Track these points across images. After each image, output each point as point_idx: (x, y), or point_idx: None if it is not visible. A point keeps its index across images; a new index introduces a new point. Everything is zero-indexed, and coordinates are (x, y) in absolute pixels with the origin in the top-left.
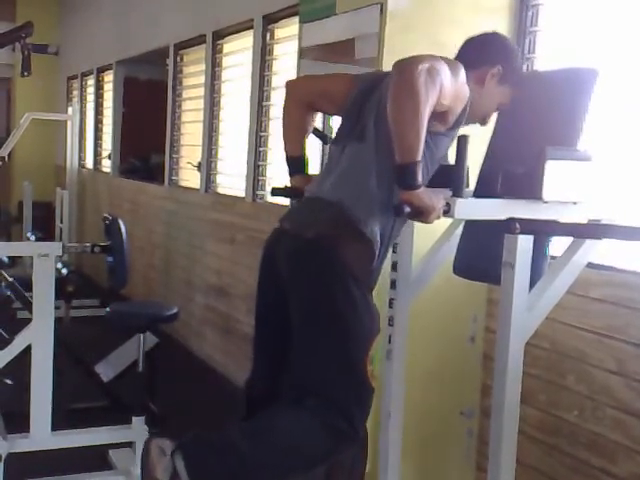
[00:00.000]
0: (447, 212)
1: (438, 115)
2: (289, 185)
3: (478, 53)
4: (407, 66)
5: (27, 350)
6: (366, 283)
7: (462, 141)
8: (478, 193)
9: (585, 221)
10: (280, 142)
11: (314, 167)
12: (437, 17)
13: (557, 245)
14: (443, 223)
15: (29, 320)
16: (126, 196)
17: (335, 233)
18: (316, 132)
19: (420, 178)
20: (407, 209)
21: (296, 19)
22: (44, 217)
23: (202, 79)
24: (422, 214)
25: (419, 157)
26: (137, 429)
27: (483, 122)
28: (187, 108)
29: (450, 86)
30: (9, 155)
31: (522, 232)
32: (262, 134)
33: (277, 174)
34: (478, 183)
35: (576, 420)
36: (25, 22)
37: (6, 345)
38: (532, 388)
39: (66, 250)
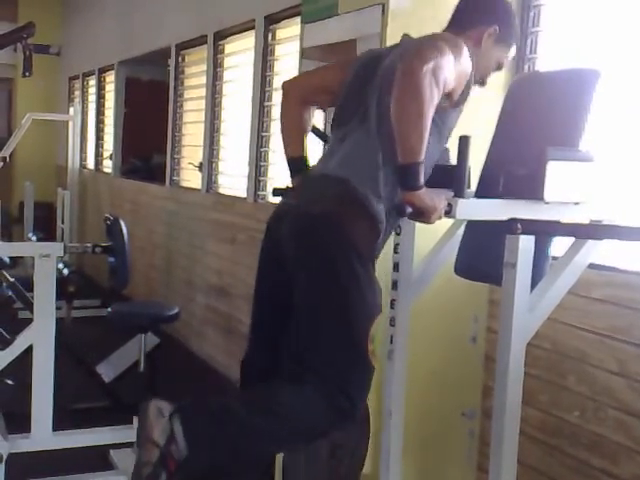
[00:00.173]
0: (449, 212)
1: (444, 95)
2: (290, 186)
3: (474, 13)
4: (413, 67)
5: (28, 350)
6: (370, 260)
7: (464, 141)
8: (480, 194)
9: (587, 222)
10: (280, 143)
11: None
12: (439, 17)
13: (559, 245)
14: (444, 223)
15: (30, 320)
16: (127, 196)
17: (342, 209)
18: (315, 131)
19: (422, 179)
20: (409, 209)
21: (298, 20)
22: (45, 217)
23: (204, 80)
24: (424, 215)
25: (421, 158)
26: None
27: (482, 83)
28: (188, 108)
29: (454, 72)
30: (10, 155)
31: (524, 232)
32: (263, 134)
33: (278, 174)
34: (479, 184)
35: (577, 421)
36: (27, 22)
37: (7, 345)
38: (533, 389)
39: (67, 250)
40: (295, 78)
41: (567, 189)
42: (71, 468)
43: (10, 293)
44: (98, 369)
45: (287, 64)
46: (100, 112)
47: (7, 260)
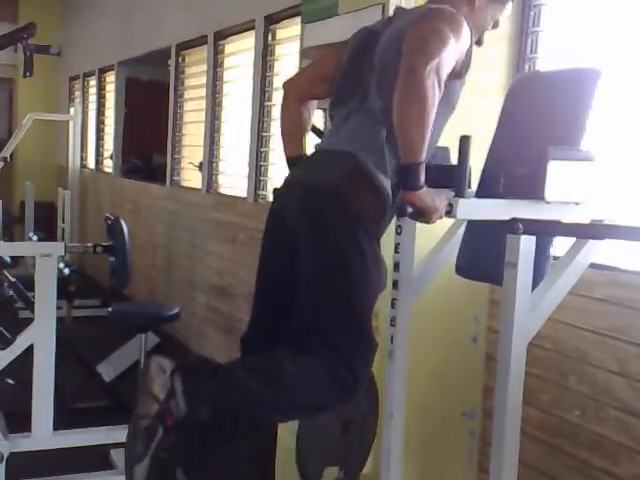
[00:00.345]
0: (449, 212)
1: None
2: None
3: None
4: (416, 66)
5: (29, 350)
6: (376, 236)
7: (464, 141)
8: (480, 193)
9: (588, 221)
10: (280, 143)
11: None
12: None
13: (560, 245)
14: (445, 223)
15: (31, 320)
16: (128, 196)
17: (350, 183)
18: (315, 130)
19: (423, 179)
20: (409, 209)
21: (298, 20)
22: (46, 217)
23: (204, 80)
24: (424, 215)
25: (422, 158)
26: None
27: (479, 43)
28: (189, 108)
29: (456, 54)
30: (11, 155)
31: (524, 232)
32: (264, 134)
33: (279, 174)
34: (480, 183)
35: (578, 420)
36: (27, 23)
37: (8, 345)
38: (534, 388)
39: (68, 250)
40: (294, 76)
41: (568, 189)
42: (71, 467)
43: (11, 293)
44: (98, 368)
45: (287, 64)
46: (100, 112)
47: (8, 260)
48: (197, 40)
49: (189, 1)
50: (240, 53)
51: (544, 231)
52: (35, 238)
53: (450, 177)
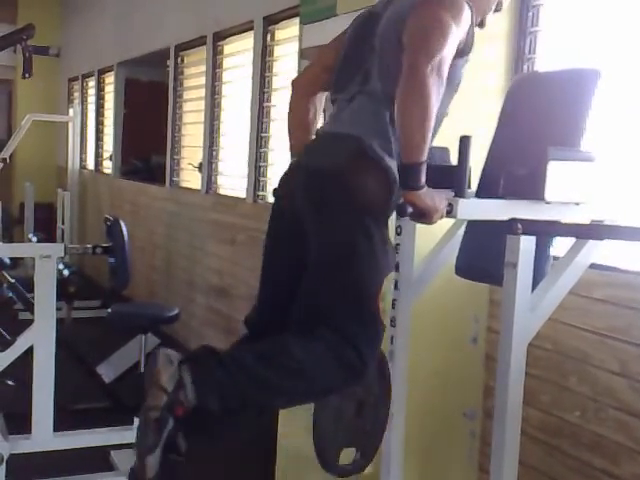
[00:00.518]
0: (450, 212)
1: None
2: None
3: None
4: (419, 64)
5: (29, 351)
6: (383, 219)
7: (464, 142)
8: (480, 194)
9: (588, 222)
10: (281, 143)
11: None
12: None
13: (560, 245)
14: (445, 223)
15: (31, 321)
16: (127, 197)
17: (356, 166)
18: None
19: (423, 179)
20: (410, 209)
21: (296, 20)
22: (45, 218)
23: (203, 80)
24: (424, 215)
25: (424, 158)
26: None
27: (481, 25)
28: (188, 109)
29: (456, 40)
30: (11, 156)
31: (524, 233)
32: (263, 135)
33: (278, 175)
34: (480, 184)
35: (578, 421)
36: (26, 24)
37: (8, 346)
38: (534, 389)
39: (68, 251)
40: (300, 74)
41: (568, 189)
42: (72, 469)
43: (11, 294)
44: (98, 370)
45: (286, 65)
46: (100, 113)
47: (8, 261)
48: (196, 41)
49: (188, 2)
50: (239, 54)
51: (544, 231)
52: (35, 239)
53: (450, 177)
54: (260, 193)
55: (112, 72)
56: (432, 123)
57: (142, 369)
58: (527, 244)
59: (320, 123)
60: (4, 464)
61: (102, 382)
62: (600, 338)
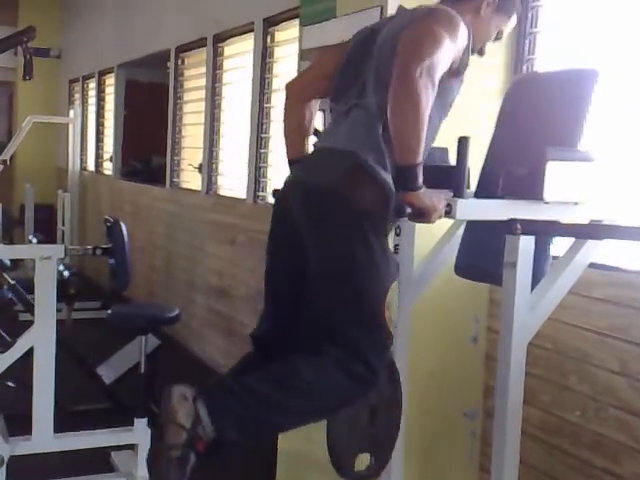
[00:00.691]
0: (448, 213)
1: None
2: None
3: None
4: (409, 69)
5: (29, 352)
6: (383, 230)
7: (463, 142)
8: (479, 194)
9: (587, 221)
10: (281, 144)
11: None
12: None
13: (560, 245)
14: (444, 224)
15: (31, 323)
16: (127, 198)
17: (351, 181)
18: (317, 133)
19: (421, 180)
20: (408, 210)
21: (296, 22)
22: (46, 220)
23: (203, 82)
24: (423, 215)
25: (420, 159)
26: (139, 431)
27: (481, 52)
28: (188, 110)
29: (451, 55)
30: (11, 158)
31: (523, 233)
32: (263, 136)
33: (278, 176)
34: (479, 184)
35: (579, 420)
36: (27, 26)
37: (8, 348)
38: (534, 388)
39: (68, 252)
40: (295, 77)
41: (567, 189)
42: (72, 470)
43: (11, 295)
44: (99, 371)
45: (286, 66)
46: (100, 114)
47: (8, 262)
48: (196, 42)
49: (188, 4)
50: (239, 55)
51: (543, 231)
52: (35, 241)
53: (449, 178)
54: (260, 194)
55: (112, 74)
56: (425, 124)
57: (142, 370)
58: (526, 244)
59: (314, 126)
60: (4, 466)
61: (102, 383)
62: (600, 337)
